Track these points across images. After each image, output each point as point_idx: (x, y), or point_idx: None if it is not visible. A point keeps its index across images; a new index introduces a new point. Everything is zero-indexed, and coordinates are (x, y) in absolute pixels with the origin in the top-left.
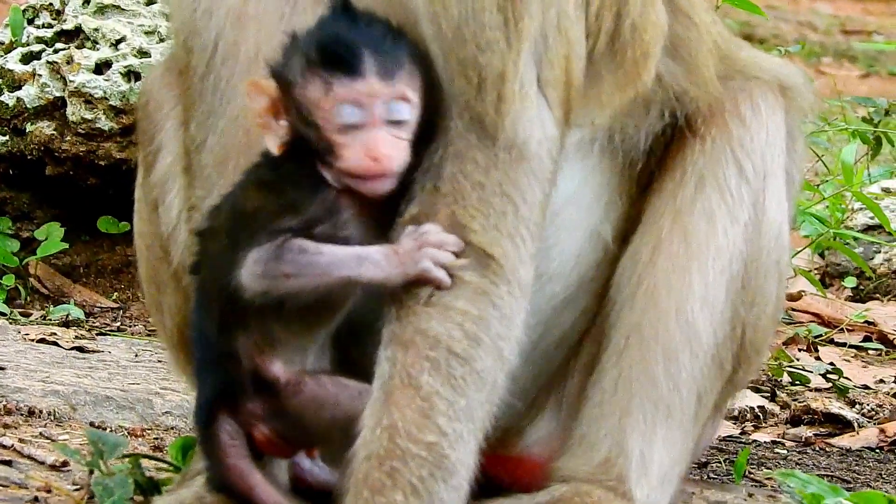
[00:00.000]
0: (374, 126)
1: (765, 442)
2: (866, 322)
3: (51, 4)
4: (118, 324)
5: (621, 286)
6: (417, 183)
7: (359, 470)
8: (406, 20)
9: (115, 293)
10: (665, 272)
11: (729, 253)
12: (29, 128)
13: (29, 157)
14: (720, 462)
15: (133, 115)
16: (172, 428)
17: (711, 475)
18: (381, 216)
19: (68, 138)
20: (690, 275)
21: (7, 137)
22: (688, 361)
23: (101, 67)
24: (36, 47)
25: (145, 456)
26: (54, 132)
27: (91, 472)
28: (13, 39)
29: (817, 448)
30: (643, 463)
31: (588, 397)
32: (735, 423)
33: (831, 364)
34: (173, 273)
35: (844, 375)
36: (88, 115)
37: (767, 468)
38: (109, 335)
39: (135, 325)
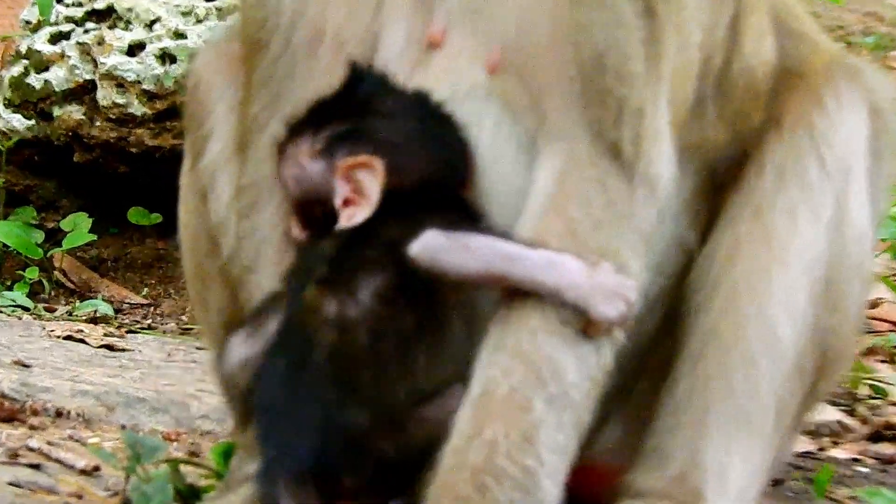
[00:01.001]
0: None
1: (844, 459)
2: None
3: None
4: (149, 321)
5: (698, 288)
6: (532, 202)
7: (446, 478)
8: (540, 43)
9: (146, 289)
10: (744, 273)
11: (811, 253)
12: (56, 112)
13: (56, 143)
14: (797, 479)
15: (168, 99)
16: (209, 432)
17: (788, 493)
18: None
19: (98, 124)
20: (771, 276)
21: (33, 122)
22: (768, 369)
23: (133, 49)
24: (65, 27)
25: (185, 461)
26: (83, 117)
27: (127, 477)
28: (41, 19)
29: None
30: (720, 477)
31: (661, 406)
32: (812, 439)
33: None
34: (221, 267)
35: None
36: (120, 100)
37: (847, 486)
38: (140, 333)
39: (166, 323)
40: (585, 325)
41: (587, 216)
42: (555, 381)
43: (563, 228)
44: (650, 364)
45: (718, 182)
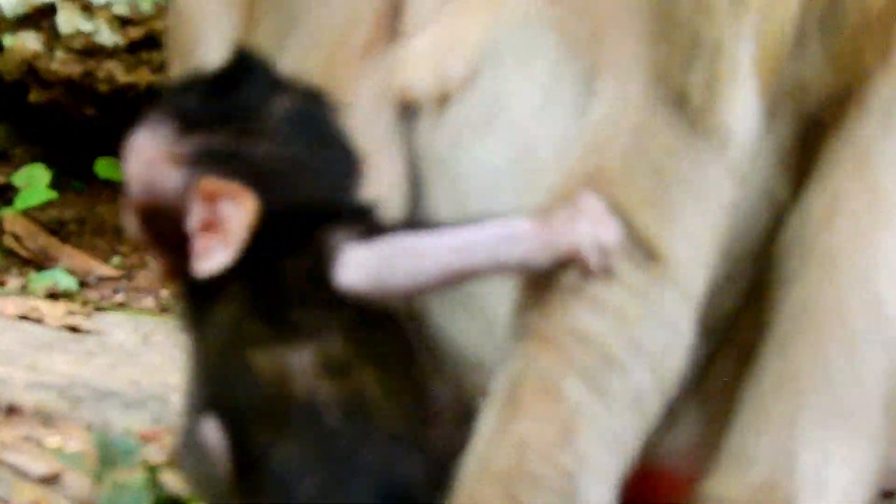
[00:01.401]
0: None
1: None
2: None
3: None
4: (121, 297)
5: (789, 254)
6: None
7: (471, 490)
8: None
9: (117, 258)
10: (844, 236)
11: None
12: (8, 42)
13: (7, 80)
14: None
15: (144, 26)
16: None
17: None
18: None
19: (59, 55)
20: (877, 239)
21: None
22: (873, 353)
23: None
24: None
25: (166, 465)
26: (41, 48)
27: (96, 484)
28: None
29: None
30: (817, 485)
31: (744, 398)
32: None
33: None
34: None
35: None
36: (85, 27)
37: None
38: (110, 311)
39: (143, 299)
40: (581, 268)
41: (625, 172)
42: (586, 354)
43: (592, 184)
44: (731, 346)
45: (815, 128)
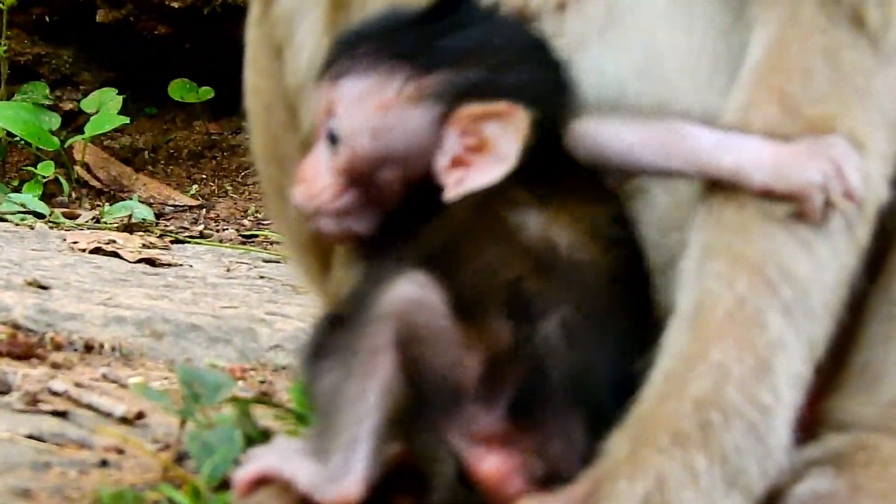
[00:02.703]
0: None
1: None
2: None
3: None
4: (200, 227)
5: None
6: (747, 76)
7: (662, 408)
8: None
9: (195, 186)
10: None
11: None
12: None
13: None
14: None
15: None
16: (284, 367)
17: None
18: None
19: None
20: None
21: None
22: None
23: None
24: None
25: (258, 401)
26: None
27: (183, 423)
28: None
29: None
30: None
31: (871, 309)
32: None
33: None
34: (303, 143)
35: None
36: None
37: None
38: (189, 243)
39: (224, 230)
40: (800, 208)
41: (806, 91)
42: (787, 284)
43: (772, 105)
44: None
45: None
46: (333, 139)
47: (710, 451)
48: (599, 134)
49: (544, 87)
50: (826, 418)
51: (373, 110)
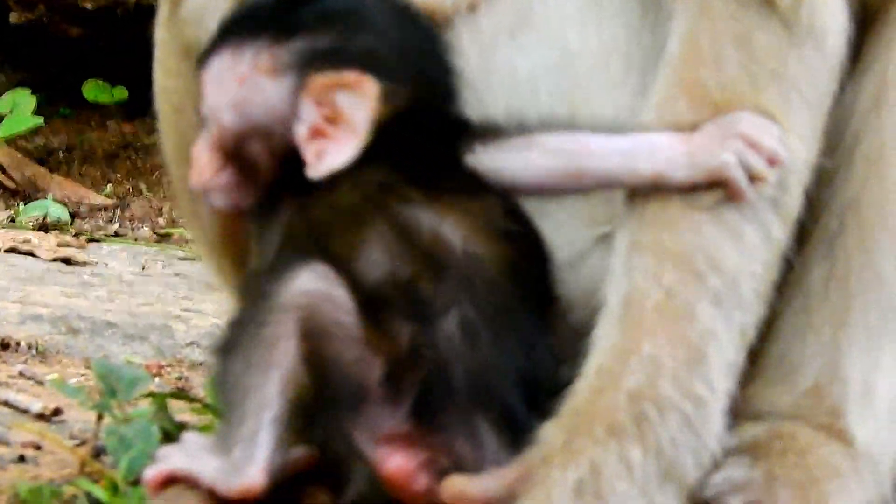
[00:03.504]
0: None
1: None
2: None
3: None
4: (115, 226)
5: (834, 145)
6: (665, 69)
7: (597, 402)
8: None
9: (109, 186)
10: (891, 127)
11: None
12: None
13: None
14: None
15: None
16: (200, 364)
17: None
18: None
19: None
20: None
21: None
22: None
23: None
24: None
25: (174, 395)
26: None
27: (99, 418)
28: None
29: None
30: (866, 391)
31: (787, 301)
32: None
33: None
34: None
35: None
36: None
37: None
38: (105, 241)
39: (139, 228)
40: (725, 193)
41: (716, 78)
42: (716, 275)
43: (681, 99)
44: None
45: (866, 17)
46: (204, 119)
47: (646, 444)
48: (506, 165)
49: (399, 57)
50: (745, 407)
51: (232, 85)
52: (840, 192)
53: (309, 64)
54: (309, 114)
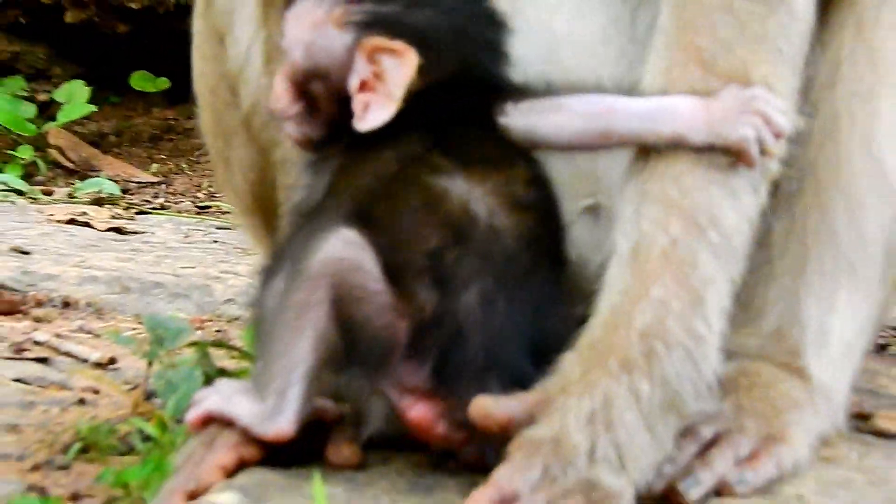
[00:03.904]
0: None
1: None
2: None
3: None
4: (160, 200)
5: (795, 115)
6: (663, 35)
7: (610, 338)
8: None
9: (155, 165)
10: (846, 97)
11: None
12: None
13: (44, 2)
14: None
15: None
16: (237, 318)
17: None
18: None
19: None
20: (878, 101)
21: None
22: (875, 210)
23: None
24: None
25: (214, 344)
26: None
27: (149, 365)
28: None
29: None
30: (821, 333)
31: (754, 253)
32: None
33: None
34: (244, 119)
35: None
36: None
37: None
38: (151, 214)
39: (181, 202)
40: (735, 159)
41: (714, 41)
42: (714, 229)
43: (688, 59)
44: None
45: None
46: (283, 53)
47: (653, 378)
48: (538, 128)
49: (449, 36)
50: None
51: (307, 27)
52: (799, 155)
53: (370, 25)
54: (361, 68)
